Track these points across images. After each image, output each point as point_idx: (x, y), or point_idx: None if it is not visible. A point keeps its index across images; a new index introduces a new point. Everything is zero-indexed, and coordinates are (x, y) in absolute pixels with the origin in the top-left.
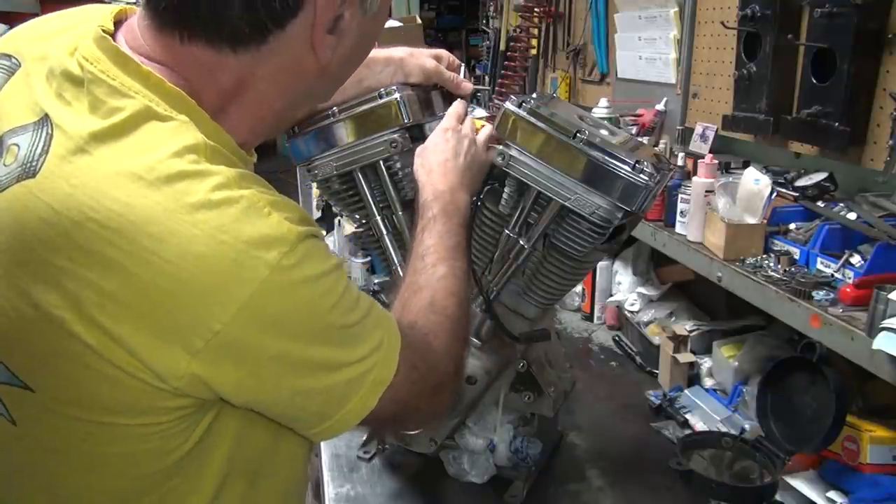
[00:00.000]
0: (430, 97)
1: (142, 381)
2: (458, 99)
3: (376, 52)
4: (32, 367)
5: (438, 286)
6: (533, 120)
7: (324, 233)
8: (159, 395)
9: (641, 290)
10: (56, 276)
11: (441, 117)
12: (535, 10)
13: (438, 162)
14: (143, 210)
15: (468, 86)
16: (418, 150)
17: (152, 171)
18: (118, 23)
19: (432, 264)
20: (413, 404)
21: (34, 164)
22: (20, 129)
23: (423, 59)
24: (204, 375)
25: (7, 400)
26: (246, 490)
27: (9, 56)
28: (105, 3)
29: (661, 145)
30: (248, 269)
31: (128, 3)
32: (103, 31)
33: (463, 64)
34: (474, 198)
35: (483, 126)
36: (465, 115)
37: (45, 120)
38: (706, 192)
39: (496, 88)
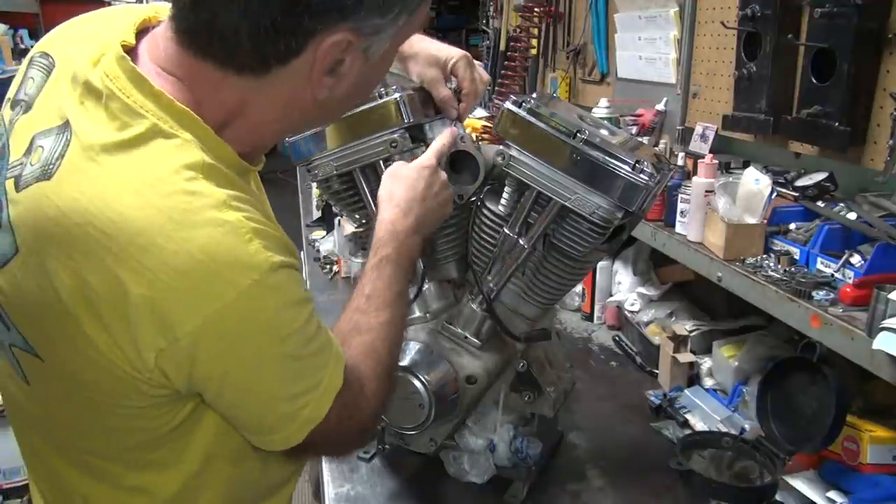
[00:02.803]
0: (432, 97)
1: (122, 371)
2: (449, 129)
3: None
4: (41, 339)
5: (380, 333)
6: (533, 120)
7: (300, 262)
8: (137, 384)
9: (641, 290)
10: (63, 267)
11: (441, 118)
12: (535, 10)
13: (406, 198)
14: (136, 222)
15: (453, 112)
16: (389, 171)
17: (151, 188)
18: (144, 31)
19: (376, 308)
20: (337, 440)
21: (51, 167)
22: (47, 131)
23: (425, 67)
24: (165, 371)
25: (22, 362)
26: (231, 470)
27: (47, 55)
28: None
29: (661, 145)
30: (217, 288)
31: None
32: (124, 46)
33: (489, 78)
34: (474, 198)
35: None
36: (449, 150)
37: (66, 126)
38: (706, 192)
39: (496, 88)
